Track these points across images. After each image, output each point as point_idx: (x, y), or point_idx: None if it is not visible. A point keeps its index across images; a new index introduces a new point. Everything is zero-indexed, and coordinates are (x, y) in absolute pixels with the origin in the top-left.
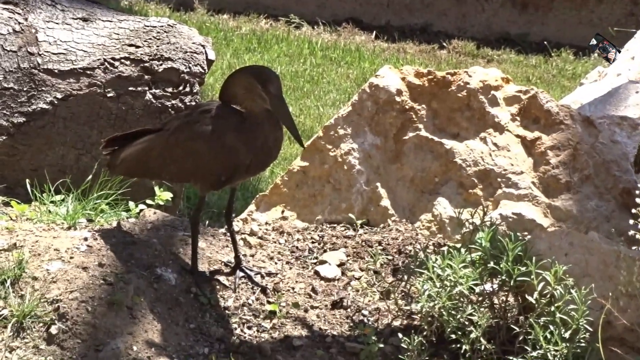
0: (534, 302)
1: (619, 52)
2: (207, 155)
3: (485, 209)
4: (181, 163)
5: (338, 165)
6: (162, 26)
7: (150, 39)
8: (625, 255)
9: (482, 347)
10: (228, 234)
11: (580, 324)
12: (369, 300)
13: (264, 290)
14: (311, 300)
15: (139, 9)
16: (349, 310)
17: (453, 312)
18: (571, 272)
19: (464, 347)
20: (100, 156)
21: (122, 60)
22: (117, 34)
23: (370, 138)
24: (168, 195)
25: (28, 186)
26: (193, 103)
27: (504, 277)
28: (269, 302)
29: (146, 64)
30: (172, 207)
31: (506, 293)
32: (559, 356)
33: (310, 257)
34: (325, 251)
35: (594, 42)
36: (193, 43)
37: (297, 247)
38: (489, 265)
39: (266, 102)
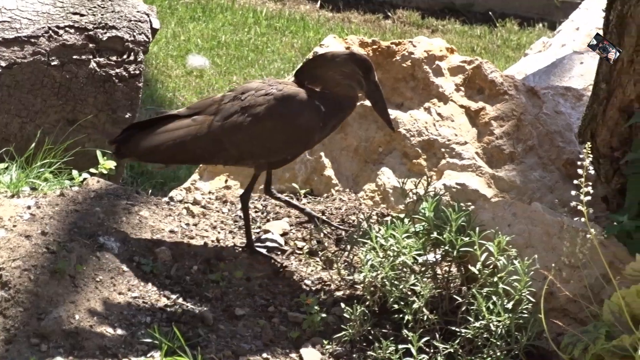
0: (476, 272)
1: (619, 52)
2: (280, 136)
3: (429, 179)
4: (244, 146)
5: None
6: None
7: (94, 7)
8: (568, 226)
9: (425, 318)
10: (278, 201)
11: (523, 294)
12: (312, 270)
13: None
14: (254, 269)
15: None
16: (291, 279)
17: (396, 282)
18: (514, 242)
19: (406, 317)
20: (44, 124)
21: (67, 29)
22: (62, 2)
23: None
24: (111, 164)
25: None
26: (137, 72)
27: (447, 248)
28: (211, 271)
29: (90, 33)
30: (116, 176)
31: (449, 263)
32: (501, 327)
33: (253, 227)
34: (268, 220)
35: (593, 42)
36: (137, 12)
37: (240, 217)
38: (432, 235)
39: (362, 89)
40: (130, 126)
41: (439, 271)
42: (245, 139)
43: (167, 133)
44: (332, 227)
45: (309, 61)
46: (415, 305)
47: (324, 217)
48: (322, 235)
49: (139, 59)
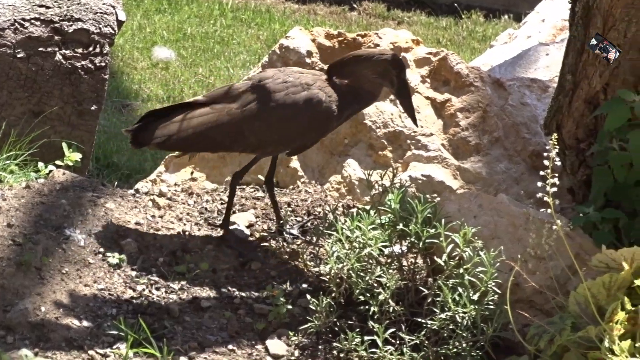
0: (442, 264)
1: (619, 52)
2: (298, 124)
3: (395, 171)
4: (263, 134)
5: None
6: None
7: None
8: (534, 218)
9: (390, 309)
10: (269, 199)
11: (489, 286)
12: (278, 262)
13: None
14: (219, 261)
15: None
16: (257, 271)
17: (362, 273)
18: (480, 234)
19: (372, 308)
20: (10, 116)
21: (32, 21)
22: None
23: None
24: (77, 156)
25: None
26: (103, 64)
27: (413, 239)
28: (177, 263)
29: (56, 25)
30: (81, 168)
31: (415, 255)
32: (467, 318)
33: (219, 219)
34: (234, 212)
35: (593, 42)
36: (103, 4)
37: (206, 209)
38: (398, 227)
39: (393, 87)
40: (147, 114)
41: (404, 263)
42: (264, 127)
43: (185, 121)
44: (298, 237)
45: (342, 61)
46: (381, 297)
47: (293, 231)
48: (287, 227)
49: (105, 51)
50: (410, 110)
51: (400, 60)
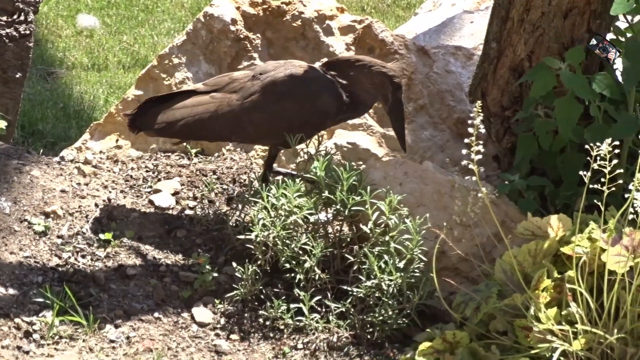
0: (368, 231)
1: (620, 52)
2: (298, 117)
3: (320, 139)
4: (263, 126)
5: None
6: None
7: None
8: (459, 185)
9: (316, 277)
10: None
11: (415, 253)
12: (203, 229)
13: None
14: (145, 229)
15: None
16: (182, 239)
17: (287, 241)
18: (406, 201)
19: (298, 276)
20: None
21: None
22: None
23: (204, 67)
24: (2, 124)
25: None
26: (27, 32)
27: (338, 207)
28: (102, 231)
29: None
30: (6, 135)
31: (341, 222)
32: (393, 286)
33: (144, 186)
34: (159, 180)
35: (593, 42)
36: None
37: (131, 176)
38: (323, 194)
39: (387, 104)
40: (147, 101)
41: (330, 230)
42: (264, 119)
43: (185, 109)
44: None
45: (344, 60)
46: (306, 265)
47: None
48: (213, 195)
49: (30, 19)
50: (400, 134)
51: (399, 79)
